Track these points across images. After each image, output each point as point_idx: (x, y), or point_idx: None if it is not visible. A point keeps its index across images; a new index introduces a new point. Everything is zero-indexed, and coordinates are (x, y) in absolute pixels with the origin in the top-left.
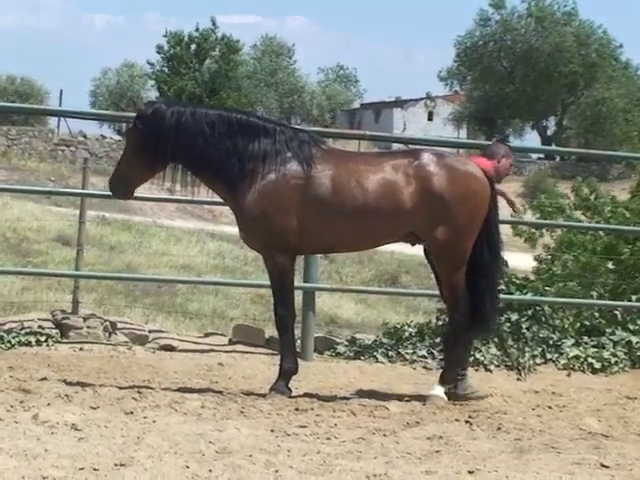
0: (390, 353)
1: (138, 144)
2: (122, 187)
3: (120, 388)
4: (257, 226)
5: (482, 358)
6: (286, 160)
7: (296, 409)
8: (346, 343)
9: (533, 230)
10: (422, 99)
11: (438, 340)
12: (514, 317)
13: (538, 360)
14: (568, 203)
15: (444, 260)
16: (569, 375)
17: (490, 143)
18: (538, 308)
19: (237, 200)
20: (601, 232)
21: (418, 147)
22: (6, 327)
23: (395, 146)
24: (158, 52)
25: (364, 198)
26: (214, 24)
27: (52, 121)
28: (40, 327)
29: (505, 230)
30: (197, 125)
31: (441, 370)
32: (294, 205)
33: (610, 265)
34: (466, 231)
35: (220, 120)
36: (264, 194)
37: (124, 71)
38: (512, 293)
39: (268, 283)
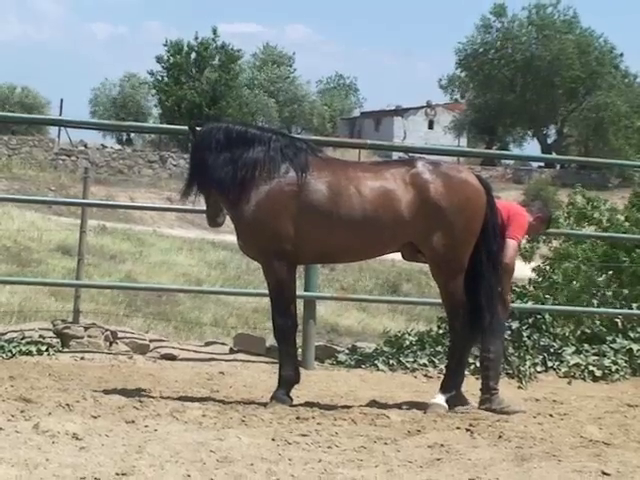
0: (391, 361)
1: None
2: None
3: (121, 397)
4: (252, 234)
5: None
6: (281, 168)
7: (297, 418)
8: (347, 351)
9: (530, 244)
10: (422, 107)
11: (439, 348)
12: (515, 325)
13: (539, 368)
14: (563, 213)
15: (441, 268)
16: (570, 383)
17: (542, 204)
18: (539, 316)
19: (233, 208)
20: (599, 241)
21: (414, 156)
22: (7, 336)
23: (395, 155)
24: (158, 62)
25: (361, 207)
26: (215, 33)
27: (52, 131)
28: (41, 336)
29: None
30: (209, 141)
31: (442, 378)
32: (289, 212)
33: (610, 273)
34: (463, 239)
35: (225, 134)
36: (258, 201)
37: (124, 81)
38: (513, 301)
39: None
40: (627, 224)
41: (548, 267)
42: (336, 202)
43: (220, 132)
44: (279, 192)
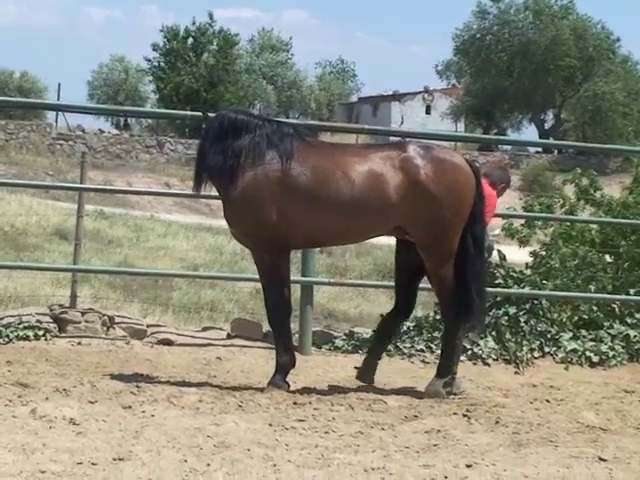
0: (388, 347)
1: None
2: None
3: (118, 382)
4: (240, 220)
5: (480, 352)
6: (266, 153)
7: (294, 403)
8: (344, 337)
9: (526, 232)
10: (420, 93)
11: (436, 334)
12: (512, 310)
13: (536, 354)
14: (557, 200)
15: (431, 253)
16: (567, 369)
17: (500, 171)
18: (536, 301)
19: (223, 194)
20: (596, 226)
21: (406, 139)
22: (4, 321)
23: (392, 140)
24: (154, 49)
25: (349, 190)
26: (211, 18)
27: (50, 115)
28: (38, 321)
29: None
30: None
31: (438, 364)
32: (273, 197)
33: (608, 258)
34: (452, 223)
35: (218, 121)
36: (244, 187)
37: (117, 65)
38: (510, 286)
39: None
40: (624, 209)
41: (545, 252)
42: (322, 186)
43: (215, 120)
44: (264, 178)
